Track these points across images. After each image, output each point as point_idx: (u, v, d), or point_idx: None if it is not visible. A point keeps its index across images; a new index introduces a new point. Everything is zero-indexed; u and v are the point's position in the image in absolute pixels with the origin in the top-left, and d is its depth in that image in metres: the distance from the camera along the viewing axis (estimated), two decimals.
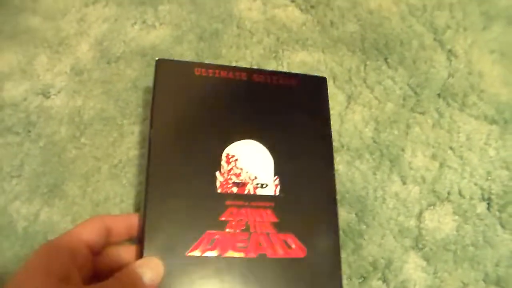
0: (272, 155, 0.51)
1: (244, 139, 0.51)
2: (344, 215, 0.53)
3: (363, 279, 0.51)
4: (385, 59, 0.57)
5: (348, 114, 0.55)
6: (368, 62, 0.57)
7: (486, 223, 0.52)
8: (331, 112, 0.53)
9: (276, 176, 0.50)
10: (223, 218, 0.47)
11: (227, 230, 0.46)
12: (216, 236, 0.46)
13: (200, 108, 0.51)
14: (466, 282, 0.50)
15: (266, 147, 0.51)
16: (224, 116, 0.51)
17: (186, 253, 0.45)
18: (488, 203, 0.52)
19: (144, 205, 0.46)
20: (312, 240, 0.48)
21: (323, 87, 0.54)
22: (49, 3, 0.62)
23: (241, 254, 0.46)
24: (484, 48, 0.56)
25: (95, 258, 0.43)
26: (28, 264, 0.37)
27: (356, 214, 0.53)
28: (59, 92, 0.58)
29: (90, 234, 0.42)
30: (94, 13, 0.61)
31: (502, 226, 0.52)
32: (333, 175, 0.50)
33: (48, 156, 0.55)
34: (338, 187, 0.53)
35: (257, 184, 0.49)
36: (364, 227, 0.52)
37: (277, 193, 0.49)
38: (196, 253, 0.45)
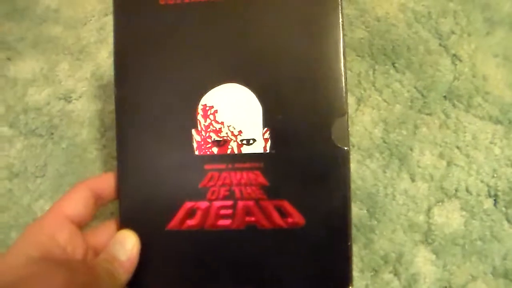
0: (260, 101, 0.40)
1: (224, 83, 0.41)
2: (356, 211, 0.54)
3: (374, 272, 0.53)
4: (393, 63, 0.59)
5: (358, 116, 0.57)
6: (376, 67, 0.59)
7: (493, 219, 0.54)
8: None
9: (266, 129, 0.40)
10: (203, 185, 0.40)
11: (208, 199, 0.40)
12: (197, 207, 0.40)
13: (168, 48, 0.42)
14: (474, 275, 0.52)
15: (253, 91, 0.40)
16: (199, 55, 0.41)
17: (165, 227, 0.40)
18: (495, 199, 0.54)
19: (117, 176, 0.42)
20: (312, 206, 0.39)
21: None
22: (70, 13, 0.64)
23: (226, 226, 0.40)
24: (487, 52, 0.58)
25: (85, 233, 0.41)
26: (9, 249, 0.36)
27: (367, 210, 0.54)
28: (80, 96, 0.60)
29: (74, 207, 0.40)
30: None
31: (508, 221, 0.53)
32: (345, 117, 0.39)
33: (70, 157, 0.57)
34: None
35: (242, 140, 0.40)
36: (375, 222, 0.54)
37: (268, 150, 0.40)
38: (176, 226, 0.40)
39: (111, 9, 0.62)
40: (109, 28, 0.63)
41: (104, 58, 0.62)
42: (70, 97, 0.60)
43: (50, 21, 0.64)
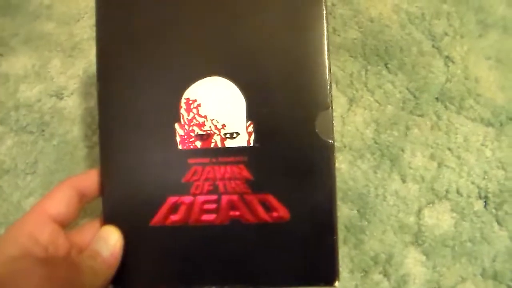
0: (244, 94, 0.40)
1: (207, 76, 0.40)
2: (346, 211, 0.54)
3: (364, 273, 0.53)
4: (386, 64, 0.59)
5: (350, 116, 0.57)
6: (369, 67, 0.59)
7: (483, 220, 0.54)
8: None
9: (249, 122, 0.40)
10: (186, 180, 0.40)
11: (192, 193, 0.40)
12: (180, 201, 0.40)
13: (151, 42, 0.41)
14: (464, 277, 0.52)
15: (236, 84, 0.40)
16: (182, 48, 0.41)
17: (148, 223, 0.40)
18: (485, 201, 0.54)
19: (100, 172, 0.41)
20: (297, 200, 0.39)
21: None
22: (62, 10, 0.64)
23: (211, 221, 0.40)
24: (480, 54, 0.59)
25: (70, 232, 0.41)
26: None
27: (358, 210, 0.54)
28: (72, 93, 0.60)
29: (57, 206, 0.39)
30: None
31: (499, 223, 0.54)
32: (330, 111, 0.39)
33: (61, 154, 0.57)
34: (340, 185, 0.54)
35: (226, 134, 0.40)
36: (365, 223, 0.54)
37: (251, 144, 0.40)
38: (160, 222, 0.40)
39: None
40: None
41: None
42: (62, 94, 0.60)
43: (43, 17, 0.64)
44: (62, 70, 0.61)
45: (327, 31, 0.40)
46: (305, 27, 0.40)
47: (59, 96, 0.60)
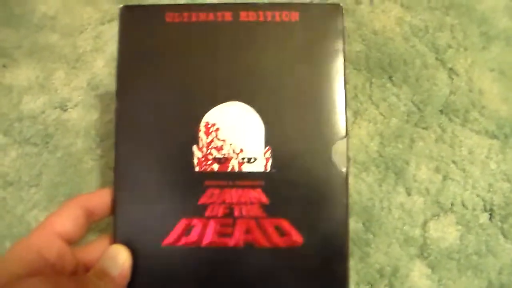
0: (263, 120, 0.41)
1: (227, 101, 0.41)
2: (352, 224, 0.54)
3: (370, 286, 0.53)
4: (390, 77, 0.59)
5: (355, 129, 0.57)
6: (373, 80, 0.59)
7: (488, 233, 0.54)
8: None
9: (267, 147, 0.41)
10: (202, 202, 0.40)
11: (207, 215, 0.40)
12: (194, 223, 0.40)
13: (172, 65, 0.42)
14: None
15: (256, 109, 0.41)
16: (203, 73, 0.42)
17: (160, 243, 0.40)
18: (490, 214, 0.54)
19: (114, 190, 0.41)
20: (310, 226, 0.40)
21: (336, 19, 0.42)
22: (66, 21, 0.64)
23: (224, 244, 0.40)
24: (484, 67, 0.59)
25: (76, 249, 0.41)
26: None
27: (363, 223, 0.54)
28: (76, 105, 0.60)
29: (64, 224, 0.39)
30: (109, 31, 0.63)
31: (504, 236, 0.53)
32: (345, 140, 0.41)
33: (65, 167, 0.57)
34: None
35: (243, 158, 0.41)
36: (371, 236, 0.54)
37: (268, 169, 0.40)
38: (172, 243, 0.40)
39: (108, 17, 0.63)
40: (106, 37, 0.63)
41: (100, 67, 0.61)
42: (66, 106, 0.59)
43: (47, 28, 0.64)
44: (66, 82, 0.61)
45: (345, 62, 0.42)
46: (323, 58, 0.42)
47: (63, 108, 0.59)
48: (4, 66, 0.62)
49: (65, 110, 0.59)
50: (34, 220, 0.55)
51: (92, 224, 0.42)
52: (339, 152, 0.40)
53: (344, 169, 0.40)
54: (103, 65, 0.61)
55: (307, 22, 0.42)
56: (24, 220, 0.55)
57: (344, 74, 0.42)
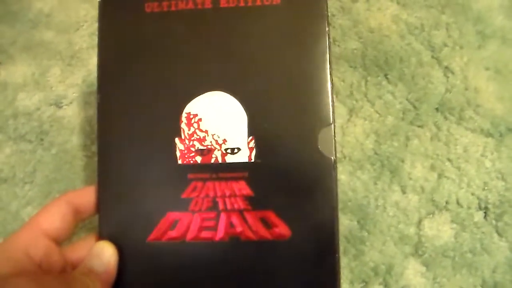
0: (245, 108, 0.40)
1: (208, 91, 0.40)
2: (347, 222, 0.54)
3: (364, 284, 0.53)
4: (385, 75, 0.59)
5: (350, 127, 0.57)
6: (369, 78, 0.59)
7: (483, 231, 0.54)
8: None
9: (251, 137, 0.39)
10: (185, 196, 0.39)
11: (191, 209, 0.39)
12: (179, 218, 0.39)
13: (153, 56, 0.41)
14: None
15: (238, 98, 0.40)
16: (184, 63, 0.41)
17: (146, 239, 0.39)
18: (485, 212, 0.54)
19: (97, 186, 0.41)
20: (298, 217, 0.38)
21: (320, 4, 0.41)
22: (62, 18, 0.64)
23: (209, 238, 0.39)
24: (479, 65, 0.59)
25: (64, 248, 0.40)
26: None
27: (358, 221, 0.54)
28: (71, 102, 0.60)
29: (51, 222, 0.39)
30: None
31: (499, 234, 0.53)
32: (332, 127, 0.39)
33: (60, 164, 0.57)
34: (341, 196, 0.54)
35: (227, 149, 0.39)
36: (365, 234, 0.54)
37: (253, 159, 0.39)
38: (157, 238, 0.39)
39: None
40: None
41: (95, 64, 0.61)
42: (61, 103, 0.59)
43: (42, 25, 0.64)
44: (61, 79, 0.61)
45: (329, 47, 0.40)
46: (307, 43, 0.40)
47: (58, 105, 0.59)
48: None
49: (60, 107, 0.59)
50: (28, 217, 0.55)
51: (80, 222, 0.42)
52: (325, 139, 0.39)
53: (332, 157, 0.39)
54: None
55: (290, 4, 0.41)
56: (19, 216, 0.55)
57: (330, 58, 0.40)
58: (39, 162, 0.57)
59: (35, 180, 0.56)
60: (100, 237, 0.40)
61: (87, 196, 0.41)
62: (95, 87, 0.59)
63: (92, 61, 0.61)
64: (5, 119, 0.59)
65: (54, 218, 0.39)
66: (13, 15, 0.64)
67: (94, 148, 0.57)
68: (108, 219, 0.40)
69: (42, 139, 0.58)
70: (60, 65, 0.61)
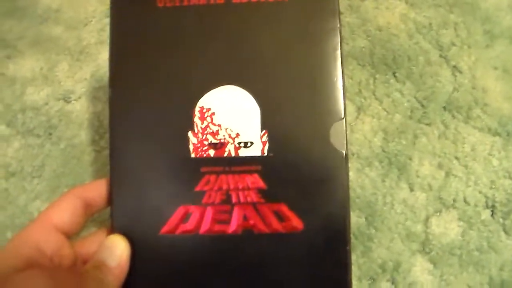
0: (258, 103, 0.40)
1: (221, 85, 0.40)
2: (354, 219, 0.54)
3: (372, 280, 0.53)
4: (393, 73, 0.59)
5: (358, 125, 0.58)
6: (377, 76, 0.59)
7: (490, 229, 0.54)
8: None
9: (264, 131, 0.40)
10: (199, 189, 0.39)
11: (204, 202, 0.39)
12: (192, 211, 0.39)
13: (165, 51, 0.41)
14: (471, 285, 0.52)
15: (251, 92, 0.40)
16: (196, 57, 0.41)
17: (158, 232, 0.39)
18: (492, 210, 0.54)
19: (110, 180, 0.41)
20: (311, 210, 0.39)
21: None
22: (71, 14, 0.64)
23: (222, 231, 0.39)
24: (487, 64, 0.59)
25: (75, 242, 0.40)
26: None
27: (366, 218, 0.54)
28: (79, 97, 0.60)
29: (62, 216, 0.39)
30: None
31: (506, 232, 0.54)
32: (344, 121, 0.39)
33: (68, 158, 0.57)
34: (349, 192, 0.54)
35: (240, 143, 0.40)
36: (373, 231, 0.54)
37: (265, 153, 0.39)
38: (170, 231, 0.39)
39: None
40: None
41: (104, 59, 0.61)
42: (69, 97, 0.60)
43: (51, 20, 0.64)
44: (69, 73, 0.61)
45: (341, 42, 0.41)
46: (319, 38, 0.40)
47: (66, 99, 0.59)
48: (8, 57, 0.62)
49: (69, 102, 0.59)
50: (36, 211, 0.55)
51: (90, 216, 0.42)
52: (337, 134, 0.39)
53: (343, 151, 0.39)
54: (107, 58, 0.61)
55: (302, 0, 0.41)
56: (27, 210, 0.55)
57: (341, 54, 0.40)
58: (47, 156, 0.57)
59: (43, 175, 0.56)
60: (113, 230, 0.40)
61: (97, 190, 0.41)
62: (103, 82, 0.60)
63: (101, 56, 0.62)
64: (13, 114, 0.59)
65: (65, 212, 0.39)
66: (22, 10, 0.65)
67: (103, 142, 0.57)
68: (120, 212, 0.40)
69: (50, 134, 0.58)
70: (69, 60, 0.61)
